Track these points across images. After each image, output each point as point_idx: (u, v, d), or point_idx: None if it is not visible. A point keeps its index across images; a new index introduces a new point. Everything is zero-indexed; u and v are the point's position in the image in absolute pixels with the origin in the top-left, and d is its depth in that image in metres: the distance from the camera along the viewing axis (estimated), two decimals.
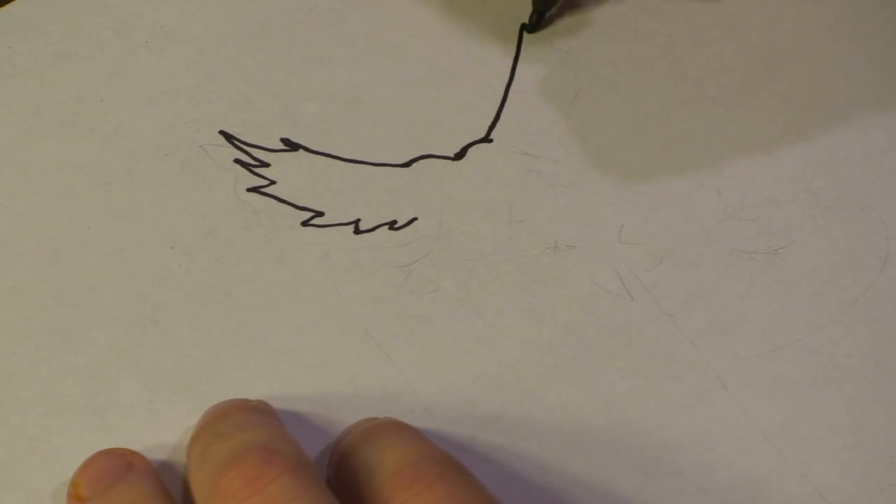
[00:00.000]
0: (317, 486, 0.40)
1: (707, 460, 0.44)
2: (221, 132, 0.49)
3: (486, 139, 0.49)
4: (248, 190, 0.48)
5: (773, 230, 0.48)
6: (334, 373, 0.45)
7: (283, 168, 0.48)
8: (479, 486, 0.41)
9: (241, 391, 0.44)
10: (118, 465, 0.42)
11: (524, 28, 0.51)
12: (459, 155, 0.49)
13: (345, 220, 0.48)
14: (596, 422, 0.45)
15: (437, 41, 0.51)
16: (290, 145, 0.49)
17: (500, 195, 0.48)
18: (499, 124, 0.50)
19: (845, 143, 0.50)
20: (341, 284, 0.46)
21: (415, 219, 0.48)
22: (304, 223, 0.48)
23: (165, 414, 0.44)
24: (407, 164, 0.49)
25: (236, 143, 0.49)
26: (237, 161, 0.48)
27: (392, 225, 0.48)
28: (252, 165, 0.48)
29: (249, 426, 0.42)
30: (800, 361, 0.46)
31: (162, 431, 0.44)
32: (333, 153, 0.49)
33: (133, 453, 0.43)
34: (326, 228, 0.47)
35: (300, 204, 0.48)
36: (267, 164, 0.49)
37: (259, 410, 0.43)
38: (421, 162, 0.49)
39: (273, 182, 0.48)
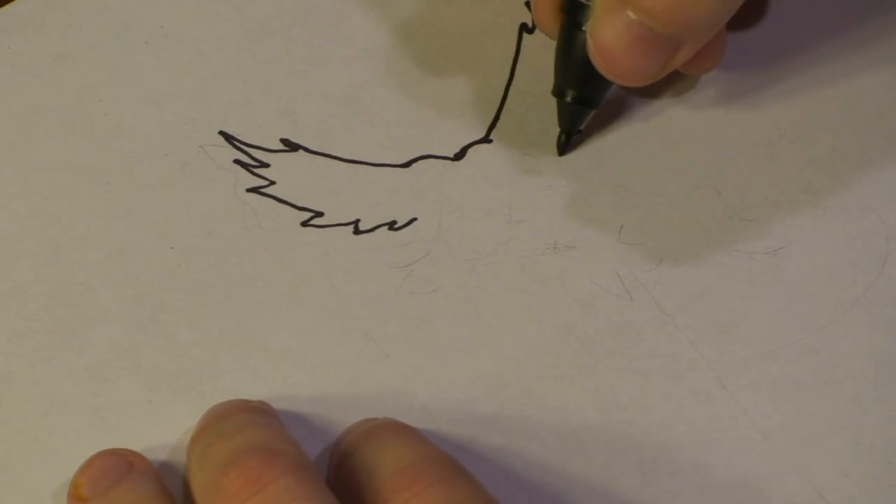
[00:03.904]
0: (317, 487, 0.40)
1: (707, 460, 0.44)
2: (221, 132, 0.49)
3: (486, 139, 0.49)
4: (248, 190, 0.48)
5: (773, 230, 0.48)
6: (334, 373, 0.45)
7: (283, 168, 0.48)
8: (479, 486, 0.41)
9: (241, 391, 0.44)
10: (119, 465, 0.42)
11: (524, 29, 0.51)
12: (459, 155, 0.49)
13: (344, 221, 0.48)
14: (596, 422, 0.45)
15: (437, 41, 0.51)
16: (290, 145, 0.49)
17: (500, 195, 0.48)
18: (499, 124, 0.50)
19: (845, 143, 0.50)
20: (341, 285, 0.46)
21: (414, 219, 0.48)
22: (304, 223, 0.48)
23: (165, 414, 0.44)
24: (406, 165, 0.49)
25: (236, 143, 0.49)
26: (237, 161, 0.48)
27: (392, 225, 0.48)
28: (252, 166, 0.48)
29: (250, 426, 0.42)
30: (800, 361, 0.46)
31: (162, 431, 0.44)
32: (333, 153, 0.49)
33: (134, 453, 0.43)
34: (326, 229, 0.47)
35: (300, 204, 0.48)
36: (266, 165, 0.49)
37: (260, 411, 0.43)
38: (421, 162, 0.49)
39: (273, 182, 0.48)
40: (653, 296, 0.47)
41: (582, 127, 0.49)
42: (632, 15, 0.44)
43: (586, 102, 0.48)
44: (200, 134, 0.49)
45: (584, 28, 0.46)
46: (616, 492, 0.44)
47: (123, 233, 0.47)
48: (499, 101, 0.50)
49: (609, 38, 0.45)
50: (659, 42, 0.45)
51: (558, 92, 0.48)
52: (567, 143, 0.49)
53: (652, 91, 0.50)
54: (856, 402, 0.45)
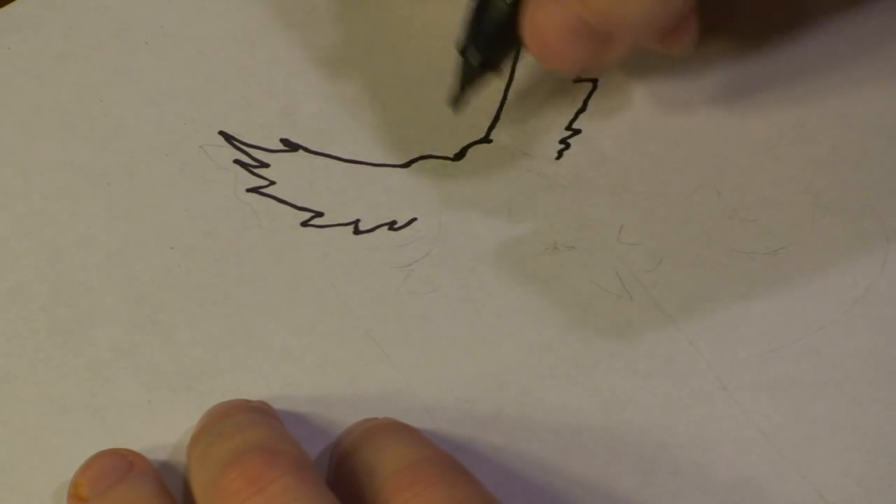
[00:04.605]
0: (318, 487, 0.40)
1: (707, 460, 0.44)
2: (221, 132, 0.49)
3: (486, 139, 0.49)
4: (248, 190, 0.48)
5: (773, 230, 0.48)
6: (334, 373, 0.45)
7: (283, 168, 0.49)
8: (479, 486, 0.41)
9: (241, 391, 0.44)
10: (119, 465, 0.42)
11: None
12: (459, 155, 0.49)
13: (344, 221, 0.48)
14: (596, 422, 0.45)
15: (436, 41, 0.51)
16: (290, 145, 0.49)
17: (500, 195, 0.48)
18: (499, 124, 0.50)
19: (845, 143, 0.50)
20: (341, 284, 0.46)
21: (414, 219, 0.48)
22: (304, 223, 0.48)
23: (165, 414, 0.44)
24: (407, 165, 0.49)
25: (236, 143, 0.49)
26: (237, 161, 0.49)
27: (392, 225, 0.48)
28: (252, 166, 0.48)
29: (251, 426, 0.42)
30: (800, 361, 0.46)
31: (162, 431, 0.44)
32: (333, 153, 0.49)
33: (134, 453, 0.43)
34: (326, 229, 0.48)
35: (300, 204, 0.48)
36: (266, 165, 0.49)
37: (260, 411, 0.43)
38: (421, 162, 0.49)
39: (273, 182, 0.48)
40: (653, 296, 0.47)
41: (477, 89, 0.48)
42: (570, 4, 0.44)
43: (490, 66, 0.47)
44: (200, 134, 0.49)
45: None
46: (616, 492, 0.44)
47: (123, 233, 0.47)
48: (499, 101, 0.50)
49: (544, 22, 0.44)
50: (590, 33, 0.44)
51: (462, 50, 0.47)
52: (461, 100, 0.48)
53: (652, 91, 0.50)
54: (856, 402, 0.45)
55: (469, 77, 0.47)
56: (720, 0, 0.49)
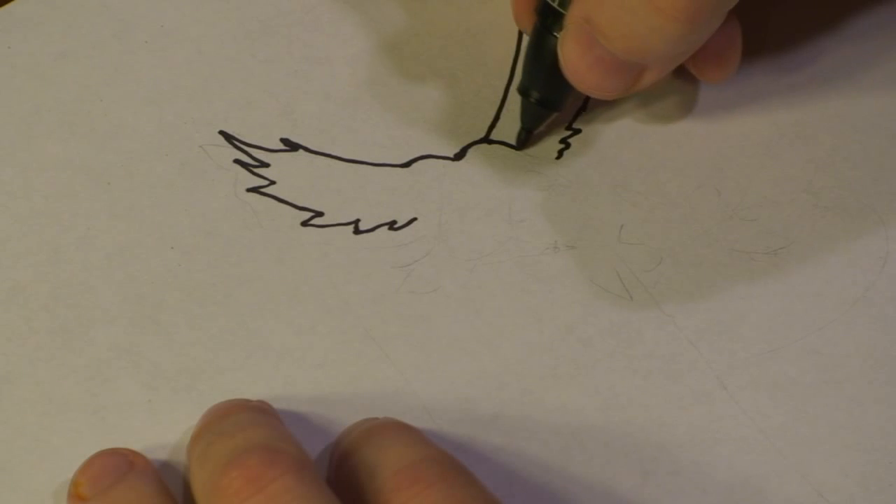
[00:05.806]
0: (318, 486, 0.40)
1: (707, 460, 0.44)
2: (221, 132, 0.49)
3: (486, 139, 0.49)
4: (248, 190, 0.48)
5: (773, 230, 0.48)
6: (334, 373, 0.45)
7: (283, 168, 0.49)
8: (480, 486, 0.41)
9: (241, 391, 0.44)
10: (119, 464, 0.42)
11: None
12: (459, 155, 0.49)
13: (344, 221, 0.48)
14: (596, 422, 0.45)
15: (437, 41, 0.51)
16: (290, 145, 0.49)
17: (500, 195, 0.48)
18: (499, 124, 0.50)
19: (845, 143, 0.50)
20: (341, 284, 0.46)
21: (414, 219, 0.48)
22: (304, 223, 0.48)
23: (165, 414, 0.44)
24: (407, 164, 0.49)
25: (236, 143, 0.49)
26: (237, 161, 0.49)
27: (392, 225, 0.48)
28: (252, 165, 0.48)
29: (251, 425, 0.42)
30: (800, 361, 0.46)
31: (162, 431, 0.44)
32: (333, 153, 0.49)
33: (134, 453, 0.43)
34: (326, 228, 0.48)
35: (300, 204, 0.48)
36: (267, 165, 0.49)
37: (260, 410, 0.43)
38: (421, 162, 0.49)
39: (273, 182, 0.48)
40: (653, 296, 0.47)
41: (543, 126, 0.49)
42: (597, 41, 0.45)
43: (549, 105, 0.48)
44: (200, 134, 0.49)
45: (555, 34, 0.46)
46: (616, 492, 0.44)
47: (123, 233, 0.47)
48: (499, 101, 0.50)
49: (574, 55, 0.45)
50: (621, 66, 0.45)
51: (523, 90, 0.48)
52: (527, 139, 0.49)
53: (652, 91, 0.50)
54: (856, 402, 0.45)
55: (530, 115, 0.48)
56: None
